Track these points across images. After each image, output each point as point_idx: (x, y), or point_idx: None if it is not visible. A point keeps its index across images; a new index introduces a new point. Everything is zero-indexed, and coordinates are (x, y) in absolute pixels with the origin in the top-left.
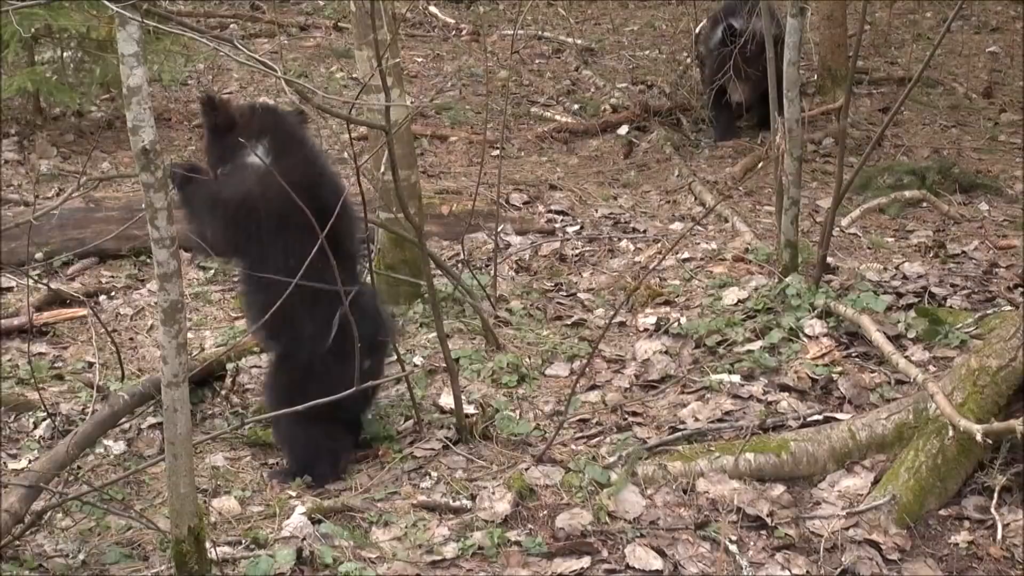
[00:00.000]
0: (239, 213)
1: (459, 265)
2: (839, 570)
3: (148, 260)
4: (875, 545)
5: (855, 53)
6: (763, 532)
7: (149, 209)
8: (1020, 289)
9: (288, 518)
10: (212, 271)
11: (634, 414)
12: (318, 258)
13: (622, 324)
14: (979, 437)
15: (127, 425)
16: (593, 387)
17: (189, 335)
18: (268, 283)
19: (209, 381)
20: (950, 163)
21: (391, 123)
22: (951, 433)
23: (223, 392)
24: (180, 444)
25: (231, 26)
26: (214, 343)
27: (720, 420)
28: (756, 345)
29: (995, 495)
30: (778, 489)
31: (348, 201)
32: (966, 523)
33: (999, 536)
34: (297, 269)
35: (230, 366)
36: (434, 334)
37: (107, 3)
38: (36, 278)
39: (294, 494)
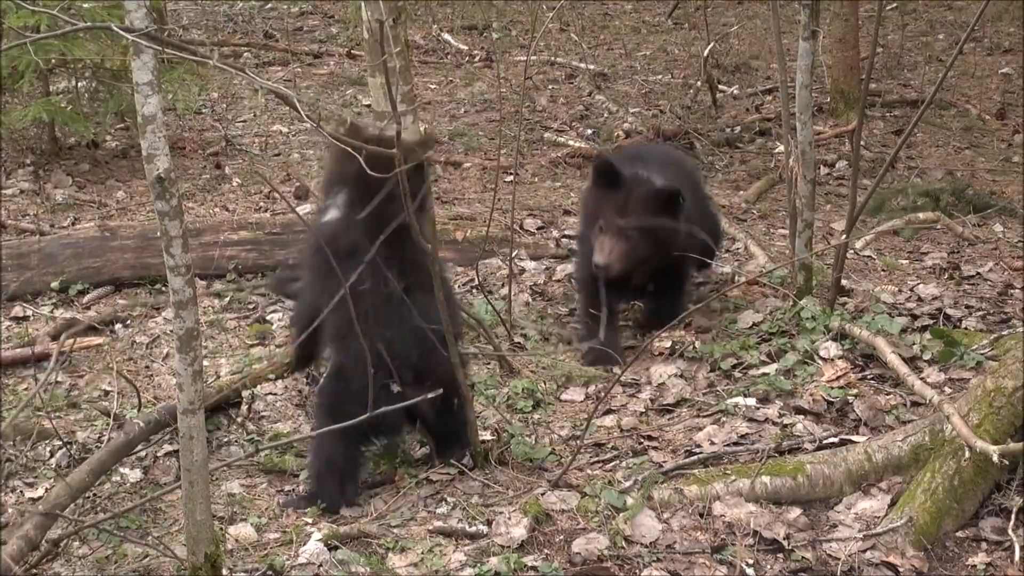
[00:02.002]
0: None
1: (474, 291)
2: None
3: (164, 288)
4: (892, 568)
5: (867, 75)
6: (780, 555)
7: (164, 237)
8: None
9: (304, 545)
10: (227, 298)
11: (649, 438)
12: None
13: (633, 348)
14: (996, 458)
15: (143, 453)
16: (609, 411)
17: (205, 363)
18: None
19: (225, 408)
20: (964, 185)
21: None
22: (968, 454)
23: (239, 419)
24: (196, 471)
25: (244, 54)
26: (230, 371)
27: (736, 443)
28: (771, 368)
29: (1012, 516)
30: (794, 512)
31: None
32: (983, 545)
33: (1016, 557)
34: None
35: (246, 393)
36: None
37: (122, 32)
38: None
39: (310, 521)
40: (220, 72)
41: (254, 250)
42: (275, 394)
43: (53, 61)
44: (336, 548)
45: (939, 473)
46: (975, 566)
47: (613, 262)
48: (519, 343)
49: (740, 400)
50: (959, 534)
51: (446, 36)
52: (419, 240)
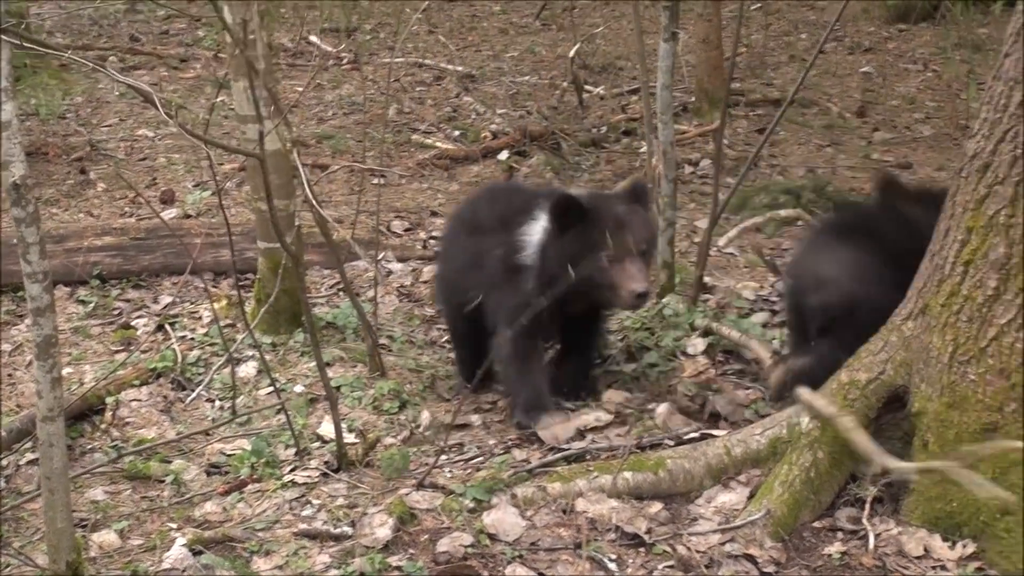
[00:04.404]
0: None
1: (340, 293)
2: None
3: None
4: (751, 559)
5: (729, 75)
6: (642, 550)
7: (21, 244)
8: None
9: (169, 550)
10: (92, 305)
11: (514, 437)
12: None
13: None
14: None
15: (5, 462)
16: (476, 410)
17: (69, 369)
18: None
19: (89, 415)
20: (825, 182)
21: (264, 151)
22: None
23: (103, 426)
24: (56, 479)
25: (110, 58)
26: (94, 377)
27: (597, 440)
28: (635, 365)
29: (867, 506)
30: (656, 506)
31: None
32: (839, 534)
33: (871, 546)
34: None
35: (110, 400)
36: (315, 362)
37: None
38: None
39: (175, 526)
40: (85, 76)
41: (119, 256)
42: (140, 400)
43: None
44: (200, 553)
45: (796, 465)
46: (831, 555)
47: (648, 285)
48: (385, 345)
49: (605, 396)
50: (816, 524)
51: (313, 38)
52: None
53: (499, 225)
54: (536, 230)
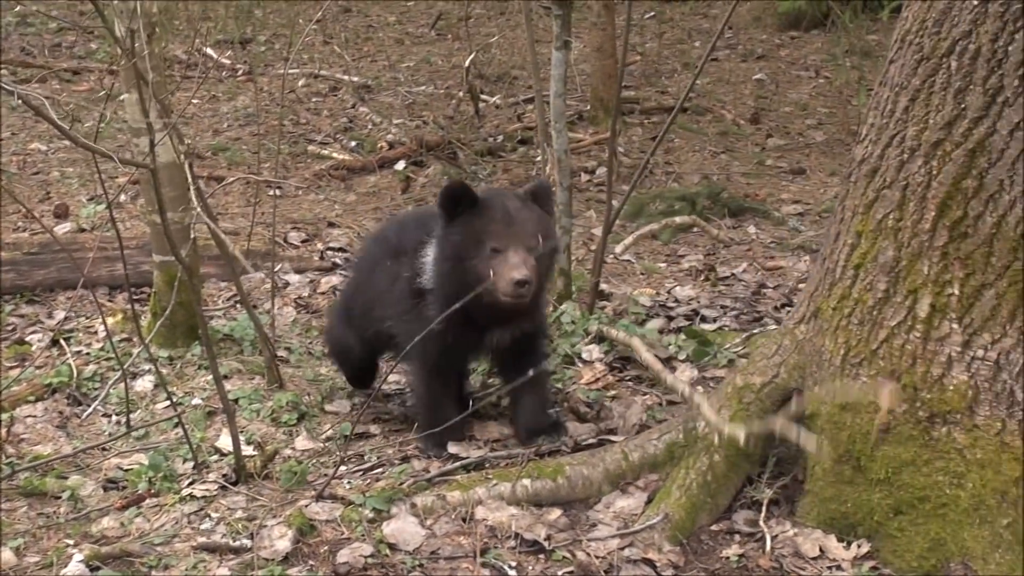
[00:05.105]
0: None
1: (237, 306)
2: None
3: None
4: (650, 563)
5: (619, 83)
6: (541, 556)
7: None
8: (786, 309)
9: (66, 567)
10: None
11: (413, 446)
12: None
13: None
14: (742, 439)
15: None
16: (375, 420)
17: None
18: None
19: None
20: (719, 188)
21: (156, 163)
22: (718, 440)
23: None
24: None
25: (0, 71)
26: None
27: (495, 448)
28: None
29: (763, 508)
30: (555, 513)
31: None
32: (737, 537)
33: (768, 548)
34: None
35: (4, 416)
36: (212, 375)
37: None
38: None
39: (72, 542)
40: None
41: (12, 271)
42: (35, 416)
43: None
44: (98, 569)
45: (693, 469)
46: (729, 558)
47: (535, 276)
48: (283, 357)
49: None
50: (713, 527)
51: (208, 50)
52: None
53: (412, 250)
54: (432, 249)
